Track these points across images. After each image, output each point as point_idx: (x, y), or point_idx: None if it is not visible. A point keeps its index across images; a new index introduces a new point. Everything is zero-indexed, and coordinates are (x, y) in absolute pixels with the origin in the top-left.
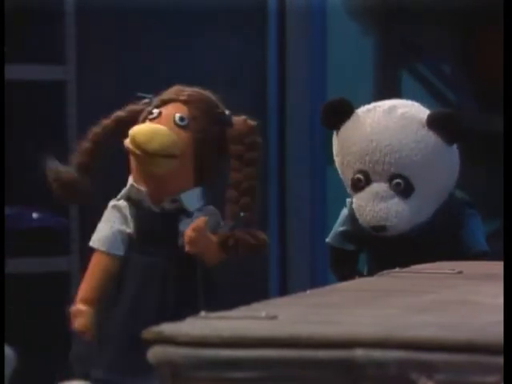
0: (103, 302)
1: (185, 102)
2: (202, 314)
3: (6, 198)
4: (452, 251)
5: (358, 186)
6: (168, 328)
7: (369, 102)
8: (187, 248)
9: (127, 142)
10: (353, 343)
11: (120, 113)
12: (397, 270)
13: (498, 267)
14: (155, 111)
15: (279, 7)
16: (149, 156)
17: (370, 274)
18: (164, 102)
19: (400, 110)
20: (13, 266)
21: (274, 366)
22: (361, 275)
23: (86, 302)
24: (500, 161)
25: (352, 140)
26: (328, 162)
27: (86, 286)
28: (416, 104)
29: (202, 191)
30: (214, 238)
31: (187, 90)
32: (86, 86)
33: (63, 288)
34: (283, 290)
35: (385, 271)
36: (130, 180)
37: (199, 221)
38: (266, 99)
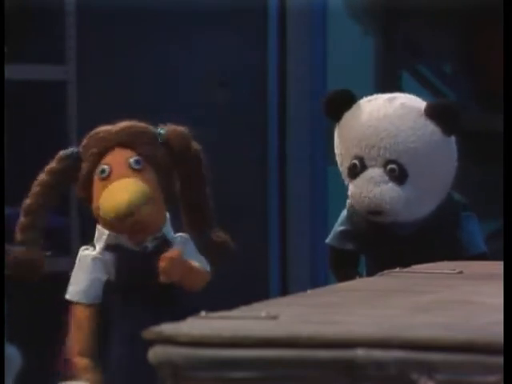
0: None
1: (125, 145)
2: (203, 313)
3: (6, 198)
4: (450, 252)
5: (354, 172)
6: (168, 328)
7: None
8: (162, 278)
9: (110, 223)
10: (353, 343)
11: (43, 177)
12: (397, 270)
13: (498, 267)
14: (105, 168)
15: (279, 7)
16: (139, 211)
17: (370, 274)
18: (99, 155)
19: (400, 100)
20: None
21: (274, 365)
22: (361, 276)
23: (83, 355)
24: (500, 161)
25: (351, 128)
26: (328, 162)
27: (79, 339)
28: (416, 97)
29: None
30: (193, 263)
31: (116, 130)
32: (87, 86)
33: (64, 287)
34: (283, 290)
35: (385, 271)
36: (104, 231)
37: (173, 251)
38: (266, 99)
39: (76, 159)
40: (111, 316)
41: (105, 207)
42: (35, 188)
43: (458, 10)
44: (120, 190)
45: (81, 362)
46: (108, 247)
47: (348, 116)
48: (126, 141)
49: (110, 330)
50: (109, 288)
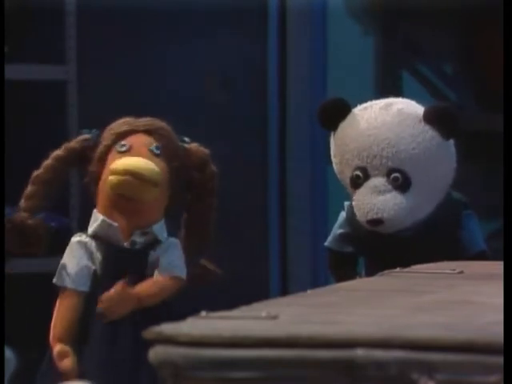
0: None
1: (147, 132)
2: (203, 313)
3: (6, 198)
4: (450, 252)
5: (357, 182)
6: (168, 328)
7: None
8: (104, 320)
9: (113, 174)
10: (353, 343)
11: (59, 152)
12: (397, 270)
13: (498, 267)
14: (125, 144)
15: (280, 7)
16: (144, 183)
17: (369, 276)
18: (121, 135)
19: (396, 106)
20: (13, 265)
21: (274, 365)
22: (360, 278)
23: (64, 341)
24: (500, 160)
25: (350, 137)
26: (328, 162)
27: (61, 326)
28: (412, 102)
29: (164, 220)
30: (141, 290)
31: (142, 120)
32: (87, 86)
33: None
34: (283, 290)
35: (385, 271)
36: (99, 215)
37: (114, 288)
38: (266, 99)
39: (95, 141)
40: (91, 308)
41: (112, 165)
42: (48, 161)
43: (457, 10)
44: (134, 158)
45: (59, 347)
46: (97, 237)
47: (344, 125)
48: (149, 130)
49: (92, 322)
50: (95, 278)
